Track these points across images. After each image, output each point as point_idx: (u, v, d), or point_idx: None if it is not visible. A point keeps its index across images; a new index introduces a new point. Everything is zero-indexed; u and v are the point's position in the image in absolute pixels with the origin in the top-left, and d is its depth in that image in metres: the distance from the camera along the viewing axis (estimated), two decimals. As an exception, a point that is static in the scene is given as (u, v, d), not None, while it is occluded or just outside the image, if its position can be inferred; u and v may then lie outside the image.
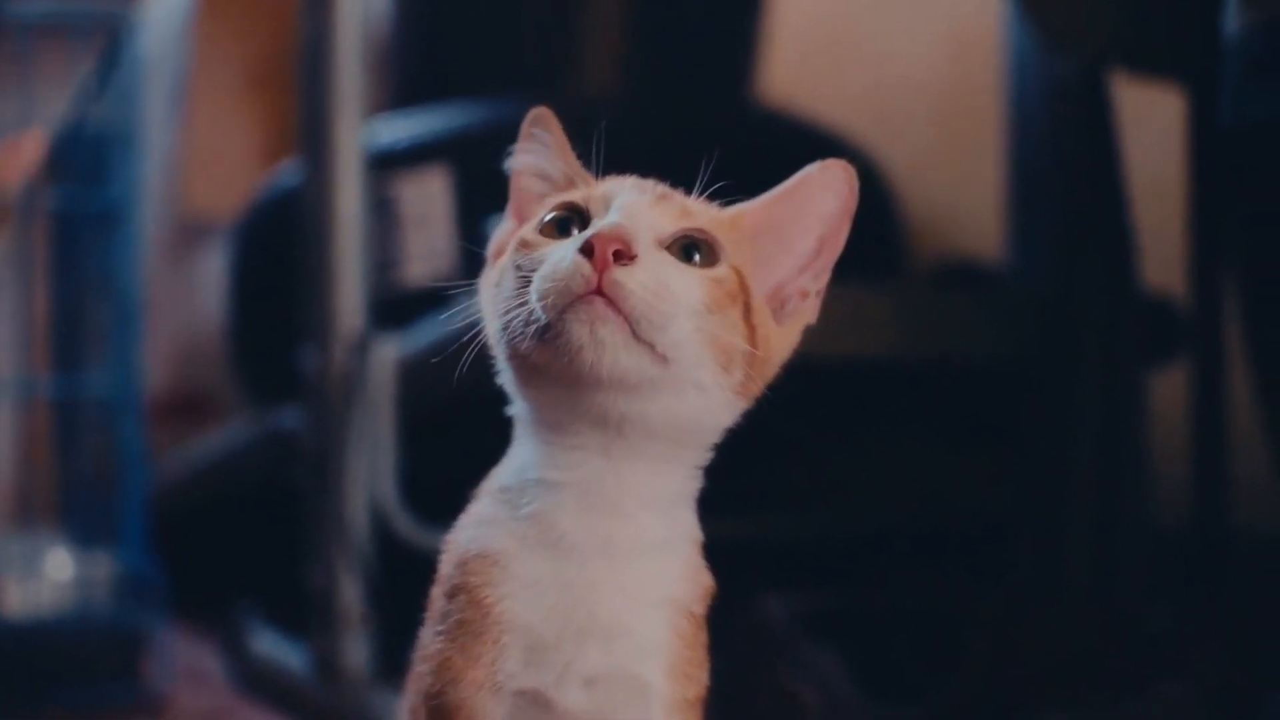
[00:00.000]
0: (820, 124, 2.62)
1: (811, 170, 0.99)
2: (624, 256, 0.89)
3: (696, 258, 0.94)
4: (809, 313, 1.01)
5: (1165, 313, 2.15)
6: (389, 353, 1.99)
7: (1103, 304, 2.01)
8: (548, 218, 0.97)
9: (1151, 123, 2.17)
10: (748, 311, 0.95)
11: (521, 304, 0.92)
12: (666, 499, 0.97)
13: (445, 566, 0.99)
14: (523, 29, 2.60)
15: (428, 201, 2.26)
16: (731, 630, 1.83)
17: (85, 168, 2.36)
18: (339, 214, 2.05)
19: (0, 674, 2.10)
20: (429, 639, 0.97)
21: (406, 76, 2.78)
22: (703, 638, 0.98)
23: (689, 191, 0.99)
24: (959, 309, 2.14)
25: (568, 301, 0.89)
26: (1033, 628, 1.84)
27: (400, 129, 2.41)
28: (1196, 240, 2.01)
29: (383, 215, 2.24)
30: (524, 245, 0.95)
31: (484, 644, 0.94)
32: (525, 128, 1.03)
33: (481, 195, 2.26)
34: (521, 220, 1.02)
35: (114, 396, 2.25)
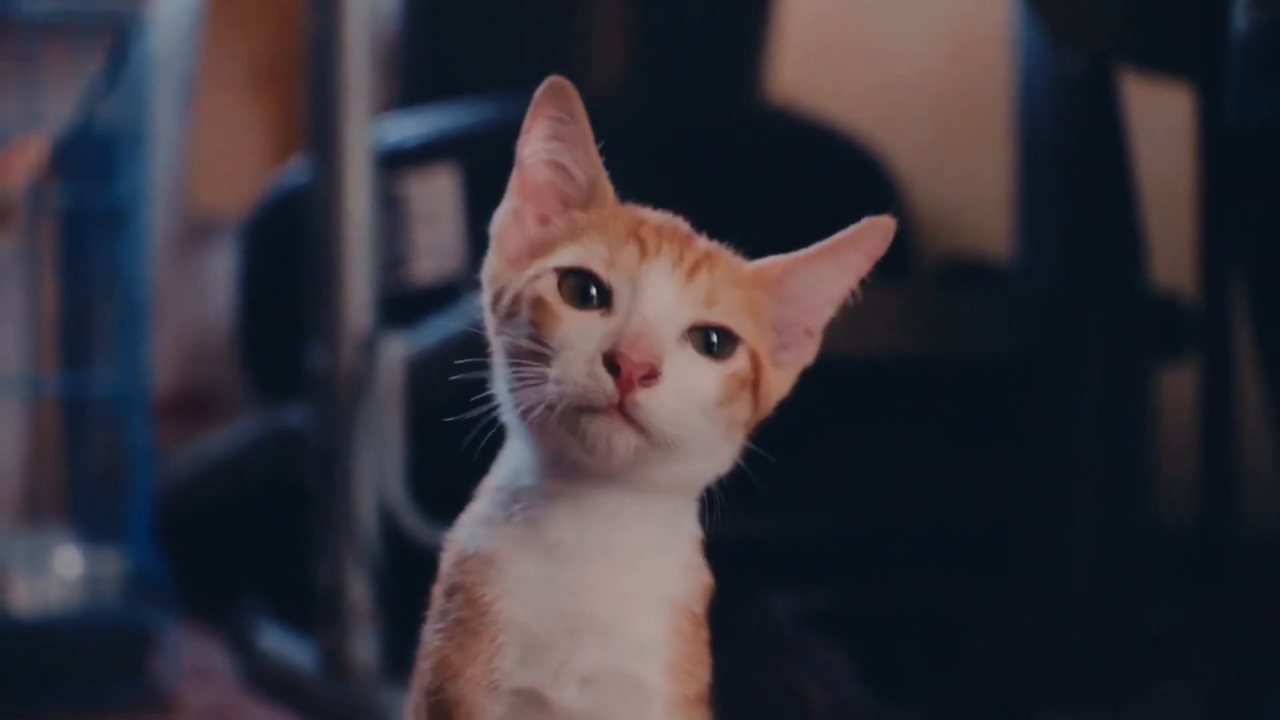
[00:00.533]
0: (826, 122, 2.62)
1: (863, 226, 0.98)
2: (649, 377, 0.89)
3: (715, 345, 0.94)
4: (808, 355, 1.01)
5: (1173, 310, 2.15)
6: (397, 350, 1.99)
7: (1110, 302, 2.01)
8: (567, 279, 0.94)
9: (1160, 120, 2.17)
10: (757, 386, 0.96)
11: (536, 380, 0.91)
12: (667, 512, 0.97)
13: (445, 565, 0.99)
14: (530, 27, 2.60)
15: (436, 199, 2.26)
16: (737, 628, 1.83)
17: (93, 166, 2.36)
18: (347, 212, 2.05)
19: (8, 670, 2.11)
20: (429, 636, 0.98)
21: (414, 74, 2.78)
22: (703, 635, 0.99)
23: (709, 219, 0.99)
24: (965, 307, 2.14)
25: (586, 407, 0.90)
26: (1035, 627, 1.84)
27: (408, 127, 2.41)
28: (1205, 238, 2.00)
29: (391, 213, 2.24)
30: (541, 305, 0.93)
31: (481, 642, 0.94)
32: (544, 105, 0.97)
33: (490, 193, 2.27)
34: (530, 204, 0.99)
35: (121, 394, 2.26)
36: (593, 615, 0.94)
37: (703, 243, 0.97)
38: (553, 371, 0.90)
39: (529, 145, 0.98)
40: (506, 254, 0.99)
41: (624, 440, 0.90)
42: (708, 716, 1.00)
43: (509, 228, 0.99)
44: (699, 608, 0.98)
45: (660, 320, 0.91)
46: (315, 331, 2.09)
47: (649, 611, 0.95)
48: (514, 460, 0.98)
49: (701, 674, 0.98)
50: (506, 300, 0.96)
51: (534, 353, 0.91)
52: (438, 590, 0.99)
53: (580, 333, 0.91)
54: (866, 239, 0.99)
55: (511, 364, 0.93)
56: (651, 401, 0.89)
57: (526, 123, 0.98)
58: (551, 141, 0.97)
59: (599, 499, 0.95)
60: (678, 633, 0.96)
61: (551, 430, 0.92)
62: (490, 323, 0.98)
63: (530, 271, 0.95)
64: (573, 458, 0.93)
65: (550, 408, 0.90)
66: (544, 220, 0.98)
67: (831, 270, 0.99)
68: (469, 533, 0.98)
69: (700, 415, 0.92)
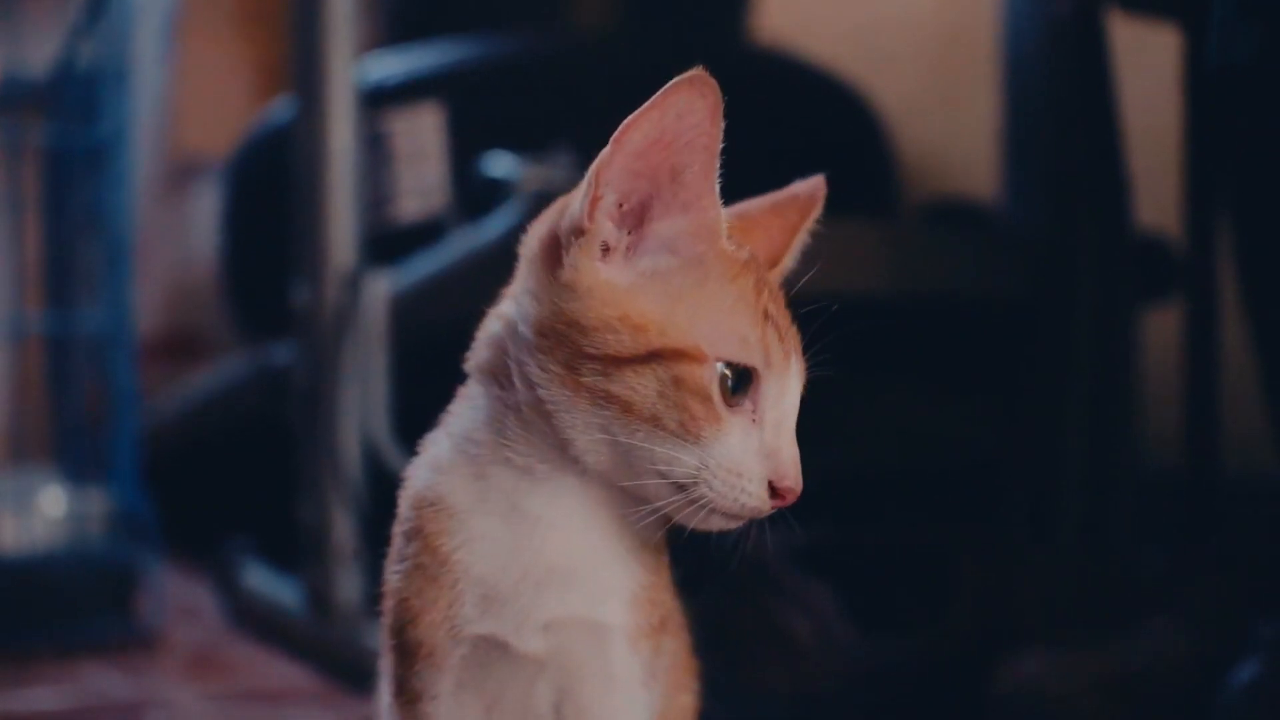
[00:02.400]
0: (814, 64, 2.61)
1: (797, 188, 1.00)
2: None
3: None
4: None
5: (1159, 252, 2.15)
6: (381, 288, 1.99)
7: (1096, 243, 2.01)
8: (730, 371, 0.89)
9: (1147, 62, 2.16)
10: None
11: (691, 479, 0.89)
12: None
13: (403, 506, 0.98)
14: (516, -34, 2.58)
15: (420, 137, 2.25)
16: (724, 565, 1.84)
17: (76, 105, 2.35)
18: (331, 150, 2.04)
19: (-7, 609, 2.11)
20: (390, 575, 0.98)
21: (399, 12, 2.77)
22: (664, 561, 0.98)
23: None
24: (952, 248, 2.14)
25: (727, 511, 0.90)
26: (1022, 565, 1.85)
27: (393, 65, 2.40)
28: (1191, 180, 2.00)
29: (375, 151, 2.23)
30: (703, 396, 0.88)
31: (440, 588, 0.94)
32: (684, 103, 0.87)
33: (474, 131, 2.26)
34: (626, 215, 0.91)
35: (106, 333, 2.25)
36: (555, 567, 0.93)
37: (777, 287, 0.96)
38: (715, 481, 0.89)
39: (644, 137, 0.89)
40: (598, 249, 0.90)
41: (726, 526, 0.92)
42: (677, 636, 1.01)
43: (603, 221, 0.90)
44: (659, 536, 0.98)
45: (793, 428, 0.92)
46: (300, 270, 2.08)
47: (615, 557, 0.95)
48: (480, 413, 0.95)
49: (664, 600, 0.98)
50: (629, 339, 0.89)
51: (679, 440, 0.89)
52: (397, 530, 0.98)
53: (741, 446, 0.90)
54: (807, 195, 1.00)
55: (627, 419, 0.89)
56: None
57: (648, 108, 0.88)
58: (678, 144, 0.89)
59: (578, 483, 0.93)
60: (642, 564, 0.96)
61: (672, 510, 0.91)
62: (562, 330, 0.90)
63: (681, 332, 0.89)
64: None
65: (692, 502, 0.89)
66: (639, 230, 0.91)
67: (777, 225, 1.00)
68: (428, 477, 0.96)
69: None
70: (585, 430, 0.90)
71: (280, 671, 2.03)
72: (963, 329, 2.27)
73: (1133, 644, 1.59)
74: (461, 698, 0.95)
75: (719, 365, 0.89)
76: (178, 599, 2.33)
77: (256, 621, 2.23)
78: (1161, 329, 2.15)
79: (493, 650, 0.94)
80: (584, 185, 0.90)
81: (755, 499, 0.90)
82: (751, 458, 0.89)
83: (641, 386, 0.88)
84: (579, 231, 0.90)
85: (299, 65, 2.10)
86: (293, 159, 2.11)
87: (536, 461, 0.93)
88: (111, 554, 2.20)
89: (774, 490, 0.90)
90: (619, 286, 0.90)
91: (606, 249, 0.90)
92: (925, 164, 2.87)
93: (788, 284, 0.99)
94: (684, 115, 0.88)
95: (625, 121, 0.88)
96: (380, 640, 1.01)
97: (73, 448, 2.41)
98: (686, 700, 1.03)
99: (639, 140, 0.88)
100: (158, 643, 2.15)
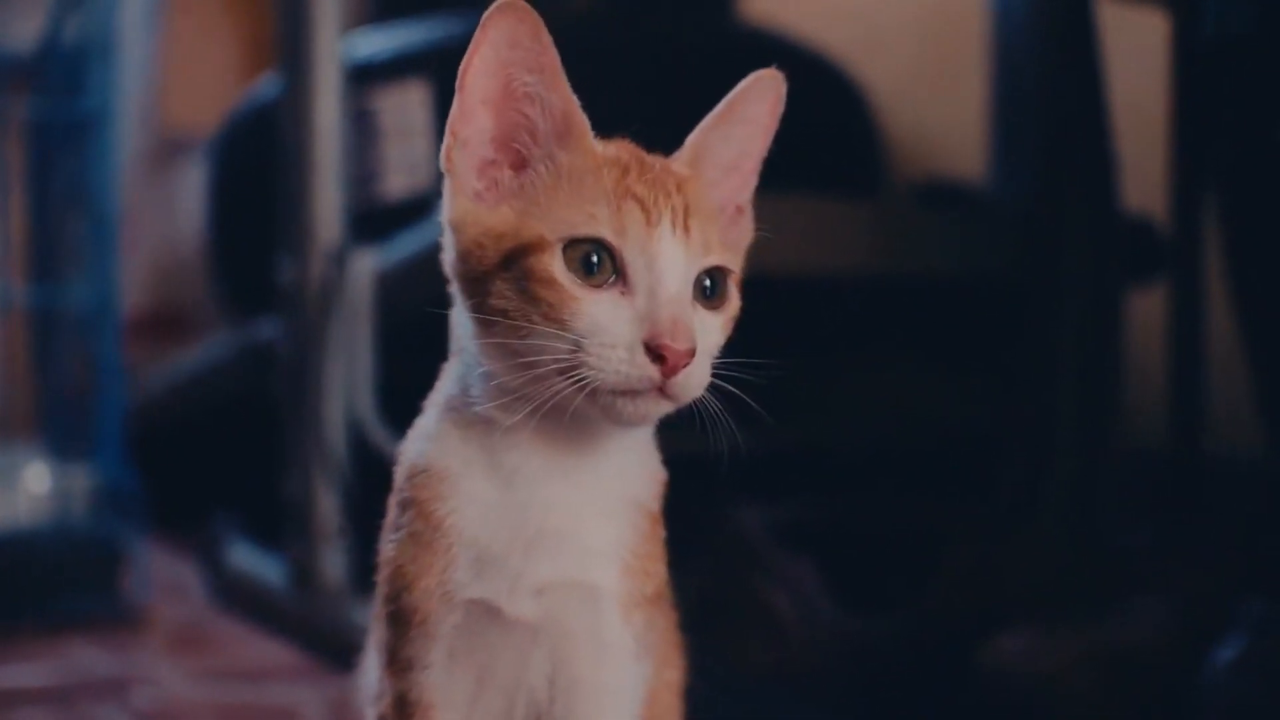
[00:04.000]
0: (803, 44, 2.60)
1: (745, 84, 0.98)
2: (687, 359, 0.89)
3: (711, 290, 0.94)
4: (748, 234, 1.01)
5: (1145, 233, 2.15)
6: (367, 265, 1.99)
7: (1083, 224, 2.01)
8: (575, 247, 0.90)
9: (1135, 43, 2.16)
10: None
11: (559, 361, 0.89)
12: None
13: (398, 478, 0.99)
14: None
15: (407, 114, 2.25)
16: (708, 541, 1.84)
17: (62, 79, 2.34)
18: (318, 127, 2.04)
19: (-22, 585, 2.11)
20: (385, 545, 0.98)
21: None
22: (660, 532, 0.99)
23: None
24: (940, 227, 2.14)
25: (625, 391, 0.89)
26: (1007, 544, 1.85)
27: (380, 42, 2.40)
28: (1178, 161, 2.00)
29: (362, 128, 2.23)
30: (552, 284, 0.90)
31: (434, 554, 0.95)
32: (501, 28, 0.91)
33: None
34: (497, 139, 0.94)
35: (91, 309, 2.24)
36: (547, 528, 0.94)
37: (665, 172, 0.95)
38: (589, 358, 0.89)
39: (484, 74, 0.93)
40: (470, 191, 0.94)
41: (659, 411, 0.91)
42: (666, 613, 1.01)
43: (470, 164, 0.94)
44: (656, 505, 0.99)
45: (681, 294, 0.91)
46: (285, 247, 2.08)
47: (606, 518, 0.96)
48: (467, 377, 0.96)
49: (658, 571, 0.98)
50: (492, 250, 0.92)
51: (551, 332, 0.90)
52: (392, 501, 0.99)
53: (609, 316, 0.90)
54: (758, 92, 0.98)
55: (510, 326, 0.91)
56: (688, 379, 0.90)
57: (476, 47, 0.92)
58: (517, 70, 0.92)
59: (559, 430, 0.94)
60: (635, 530, 0.97)
61: (576, 404, 0.90)
62: (456, 266, 0.95)
63: (529, 227, 0.92)
64: (582, 411, 0.91)
65: (581, 388, 0.89)
66: (518, 158, 0.94)
67: (738, 132, 0.99)
68: (419, 447, 0.98)
69: (709, 365, 0.93)
70: (496, 356, 0.93)
71: (265, 648, 2.03)
72: (950, 309, 2.28)
73: (1118, 622, 1.60)
74: (453, 667, 0.95)
75: (559, 245, 0.90)
76: (163, 576, 2.33)
77: (241, 598, 2.23)
78: (1147, 310, 2.15)
79: (485, 617, 0.94)
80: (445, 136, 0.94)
81: (635, 366, 0.89)
82: (621, 326, 0.90)
83: (508, 290, 0.91)
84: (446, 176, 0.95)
85: (285, 41, 2.09)
86: (279, 136, 2.10)
87: (498, 410, 0.93)
88: (96, 530, 2.20)
89: (657, 355, 0.89)
90: (485, 210, 0.93)
91: (488, 188, 0.94)
92: (914, 144, 2.87)
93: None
94: (515, 44, 0.91)
95: (460, 68, 0.92)
96: (373, 612, 1.01)
97: (58, 424, 2.40)
98: (673, 676, 1.03)
99: (480, 80, 0.92)
100: (142, 619, 2.14)
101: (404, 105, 2.25)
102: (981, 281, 2.14)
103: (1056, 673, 1.56)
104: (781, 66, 0.99)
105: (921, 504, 2.06)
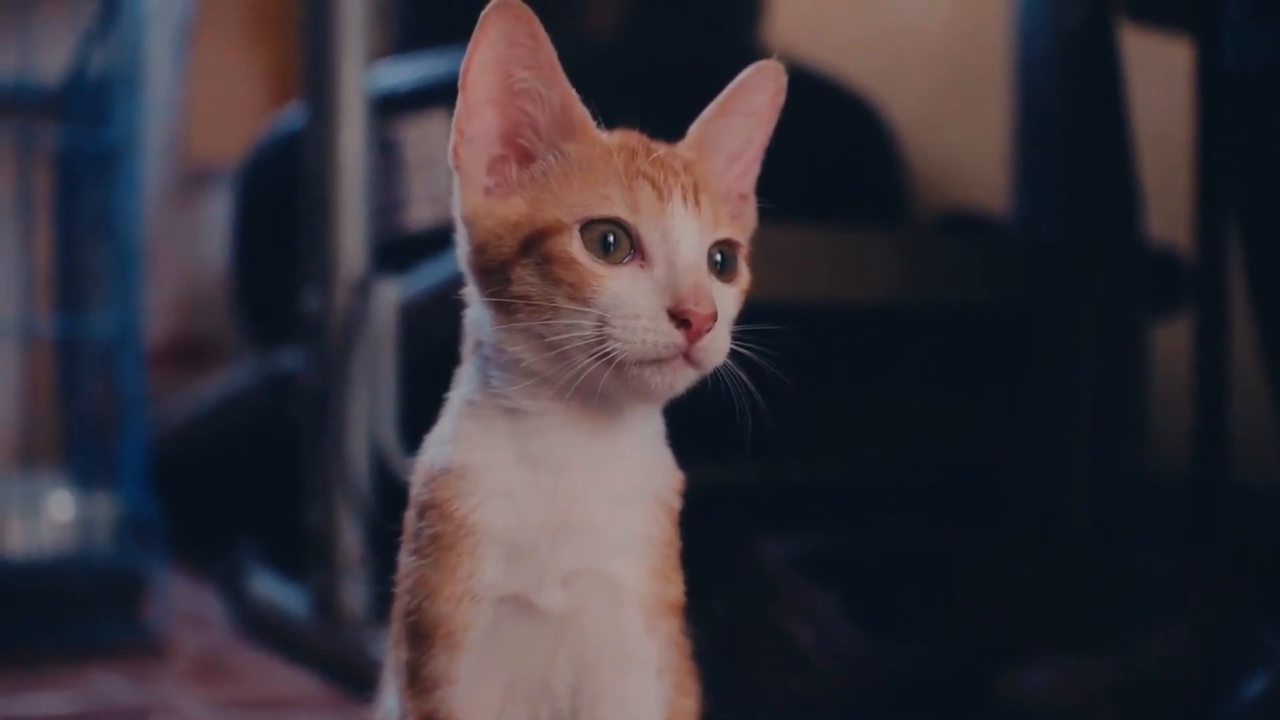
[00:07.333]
0: (825, 72, 2.61)
1: (745, 75, 1.00)
2: (710, 322, 0.91)
3: (723, 263, 0.96)
4: (751, 220, 1.03)
5: (1169, 263, 2.14)
6: (390, 295, 1.99)
7: (1106, 254, 2.01)
8: (593, 228, 0.93)
9: (1159, 72, 2.16)
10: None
11: (587, 339, 0.91)
12: (641, 416, 0.99)
13: (414, 486, 0.99)
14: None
15: (431, 145, 2.25)
16: (729, 571, 1.84)
17: (88, 110, 2.36)
18: (342, 157, 2.04)
19: (1, 613, 2.11)
20: (404, 559, 0.98)
21: (410, 19, 2.77)
22: (677, 541, 1.00)
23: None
24: (962, 256, 2.14)
25: (652, 360, 0.91)
26: (1026, 572, 1.85)
27: (404, 72, 2.40)
28: (1202, 191, 2.00)
29: (386, 159, 2.23)
30: (569, 262, 0.92)
31: (458, 555, 0.94)
32: (499, 27, 0.93)
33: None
34: (504, 135, 0.96)
35: (116, 338, 2.25)
36: (573, 516, 0.95)
37: (671, 155, 0.97)
38: (614, 330, 0.90)
39: (484, 73, 0.95)
40: (479, 187, 0.97)
41: (685, 380, 0.93)
42: (683, 627, 1.01)
43: (478, 160, 0.96)
44: (676, 502, 1.00)
45: (699, 263, 0.93)
46: (309, 277, 2.09)
47: (628, 508, 0.97)
48: (483, 375, 0.98)
49: (678, 580, 0.99)
50: (509, 238, 0.94)
51: (576, 309, 0.91)
52: (410, 514, 0.99)
53: (630, 290, 0.92)
54: (758, 82, 1.00)
55: (534, 309, 0.92)
56: (712, 344, 0.92)
57: (475, 47, 0.94)
58: (516, 68, 0.95)
59: (584, 414, 0.95)
60: (657, 525, 0.98)
61: (603, 381, 0.91)
62: (474, 259, 0.96)
63: (545, 213, 0.94)
64: (608, 388, 0.92)
65: (608, 363, 0.90)
66: (523, 153, 0.97)
67: (739, 123, 1.01)
68: (436, 451, 0.98)
69: (729, 333, 0.95)
70: (520, 342, 0.94)
71: (286, 678, 2.03)
72: (972, 339, 2.27)
73: (1141, 652, 1.59)
74: (479, 681, 0.95)
75: (576, 227, 0.92)
76: (185, 605, 2.34)
77: (263, 628, 2.23)
78: (1172, 336, 2.15)
79: (514, 615, 0.94)
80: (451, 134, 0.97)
81: (661, 334, 0.91)
82: (643, 297, 0.91)
83: (528, 275, 0.93)
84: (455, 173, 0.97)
85: (310, 72, 2.10)
86: (303, 166, 2.11)
87: (523, 399, 0.95)
88: (119, 559, 2.21)
89: (681, 320, 0.90)
90: (497, 202, 0.95)
91: (498, 184, 0.96)
92: (936, 174, 2.87)
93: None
94: (513, 42, 0.94)
95: (461, 67, 0.94)
96: (391, 633, 1.01)
97: (81, 452, 2.41)
98: (688, 704, 1.03)
99: (481, 79, 0.95)
100: (164, 648, 2.15)
101: (428, 136, 2.25)
102: (1004, 311, 2.14)
103: (1080, 704, 1.55)
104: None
105: (943, 533, 2.05)
